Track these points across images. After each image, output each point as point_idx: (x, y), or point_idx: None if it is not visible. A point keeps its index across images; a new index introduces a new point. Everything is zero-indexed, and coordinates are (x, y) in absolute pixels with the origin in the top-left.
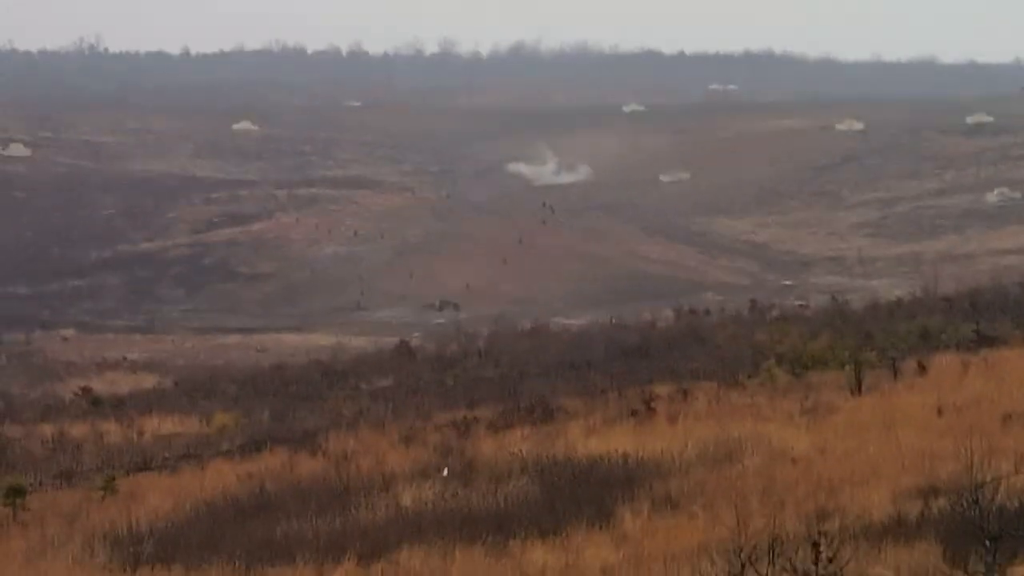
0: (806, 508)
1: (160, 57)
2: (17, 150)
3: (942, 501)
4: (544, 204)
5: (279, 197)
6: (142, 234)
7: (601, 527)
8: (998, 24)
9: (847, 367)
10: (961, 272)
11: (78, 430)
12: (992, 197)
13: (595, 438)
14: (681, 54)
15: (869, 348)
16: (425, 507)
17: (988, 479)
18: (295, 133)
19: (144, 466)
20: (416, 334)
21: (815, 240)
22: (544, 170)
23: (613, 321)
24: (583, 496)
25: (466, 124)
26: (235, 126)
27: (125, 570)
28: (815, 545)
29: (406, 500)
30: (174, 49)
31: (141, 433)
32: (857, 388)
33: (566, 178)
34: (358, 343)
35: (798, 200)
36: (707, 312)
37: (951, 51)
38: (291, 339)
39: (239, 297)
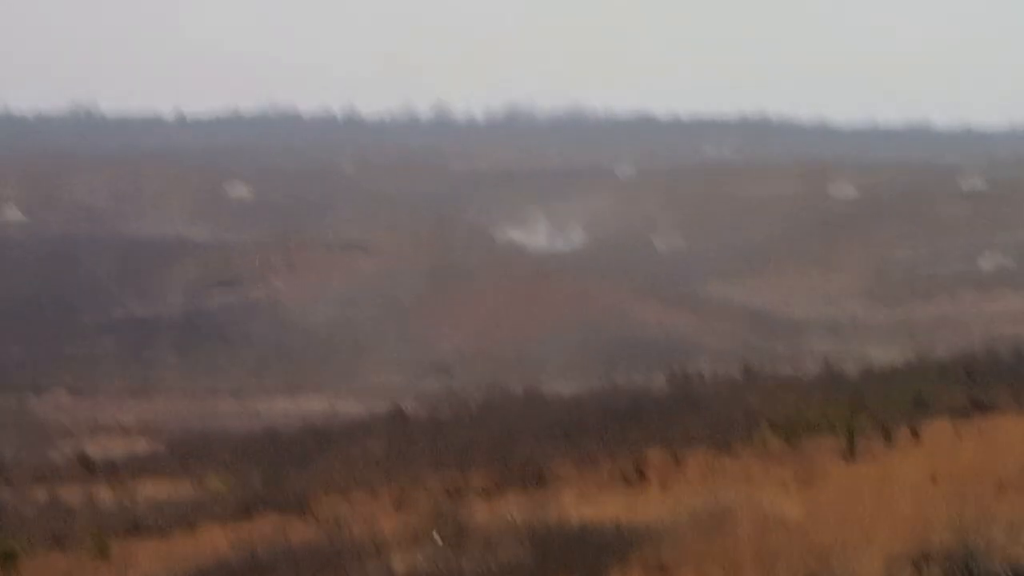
0: (798, 574)
1: (155, 120)
2: (11, 213)
3: (935, 568)
4: (537, 268)
5: (273, 260)
6: (136, 297)
7: None
8: (992, 90)
9: (840, 432)
10: (955, 337)
11: (71, 493)
12: (985, 262)
13: (587, 503)
14: (676, 117)
15: (862, 413)
16: (417, 572)
17: (982, 547)
18: (289, 196)
19: (136, 530)
20: (409, 398)
21: (809, 304)
22: (537, 233)
23: (606, 386)
24: (575, 562)
25: (460, 187)
26: (229, 188)
27: None
28: None
29: (398, 565)
30: (169, 112)
31: (134, 496)
32: (850, 454)
33: (559, 241)
34: (351, 407)
35: (792, 264)
36: (700, 376)
37: (945, 116)
38: (284, 402)
39: (232, 360)
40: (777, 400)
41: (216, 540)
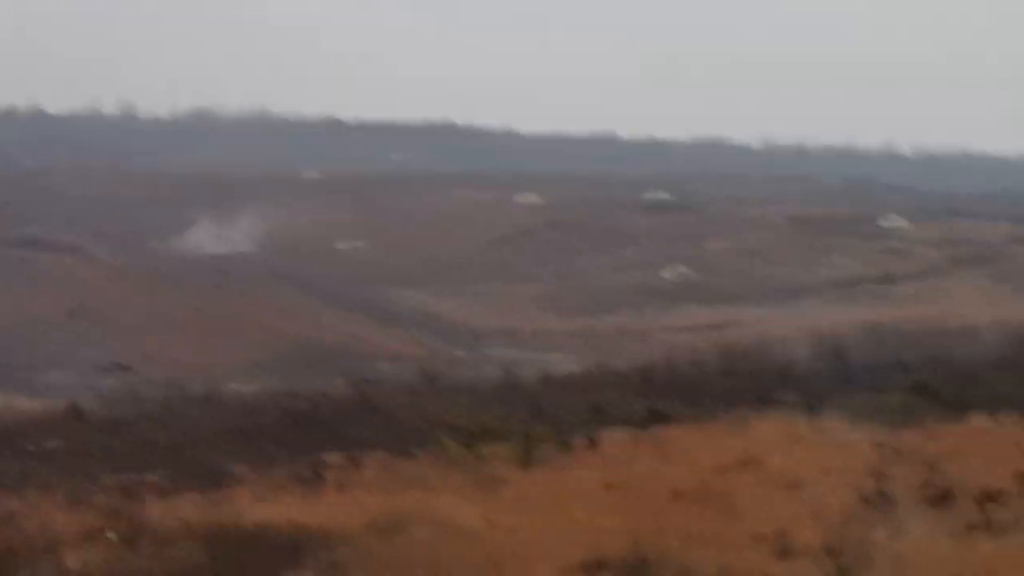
0: None
1: None
2: None
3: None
4: (220, 272)
5: None
6: None
7: None
8: (677, 101)
9: (517, 440)
10: (636, 348)
11: None
12: (668, 274)
13: (264, 505)
14: (362, 123)
15: (541, 422)
16: (90, 571)
17: (656, 556)
18: None
19: None
20: (88, 397)
21: (489, 312)
22: (220, 237)
23: (286, 389)
24: (250, 563)
25: (145, 190)
26: None
27: None
28: None
29: (72, 564)
30: None
31: None
32: (528, 462)
33: (242, 245)
34: (26, 403)
35: (473, 272)
36: (381, 382)
37: (631, 127)
38: None
39: None
40: (455, 406)
41: None
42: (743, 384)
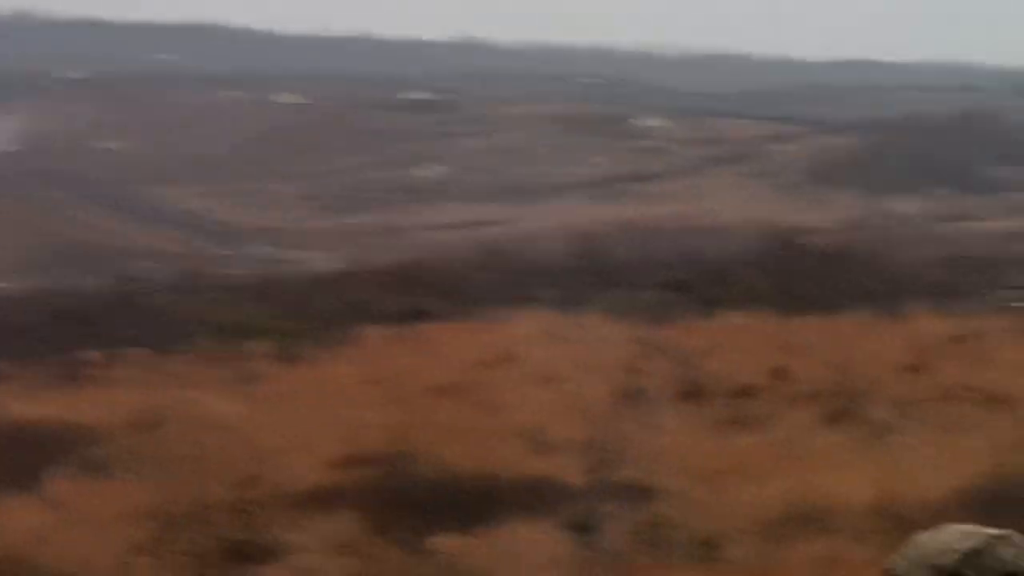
0: (233, 476)
1: None
2: None
3: (368, 471)
4: None
5: None
6: None
7: (30, 492)
8: (437, 5)
9: (278, 337)
10: (395, 246)
11: None
12: (427, 172)
13: (24, 402)
14: (122, 22)
15: (300, 319)
16: None
17: (415, 449)
18: None
19: None
20: None
21: (249, 211)
22: None
23: (46, 287)
24: (12, 458)
25: None
26: None
27: None
28: (240, 511)
29: None
30: None
31: None
32: (288, 358)
33: (1, 145)
34: None
35: (234, 171)
36: (142, 280)
37: (389, 28)
38: None
39: None
40: (217, 304)
41: None
42: (501, 281)
